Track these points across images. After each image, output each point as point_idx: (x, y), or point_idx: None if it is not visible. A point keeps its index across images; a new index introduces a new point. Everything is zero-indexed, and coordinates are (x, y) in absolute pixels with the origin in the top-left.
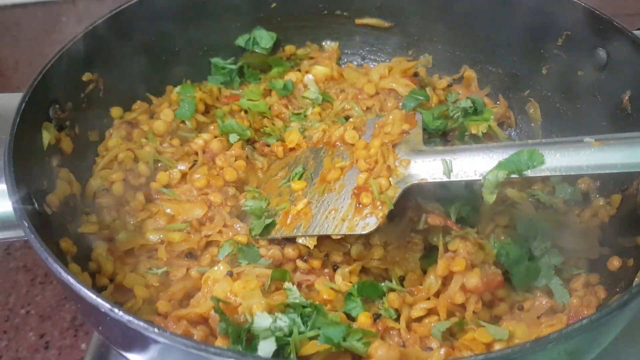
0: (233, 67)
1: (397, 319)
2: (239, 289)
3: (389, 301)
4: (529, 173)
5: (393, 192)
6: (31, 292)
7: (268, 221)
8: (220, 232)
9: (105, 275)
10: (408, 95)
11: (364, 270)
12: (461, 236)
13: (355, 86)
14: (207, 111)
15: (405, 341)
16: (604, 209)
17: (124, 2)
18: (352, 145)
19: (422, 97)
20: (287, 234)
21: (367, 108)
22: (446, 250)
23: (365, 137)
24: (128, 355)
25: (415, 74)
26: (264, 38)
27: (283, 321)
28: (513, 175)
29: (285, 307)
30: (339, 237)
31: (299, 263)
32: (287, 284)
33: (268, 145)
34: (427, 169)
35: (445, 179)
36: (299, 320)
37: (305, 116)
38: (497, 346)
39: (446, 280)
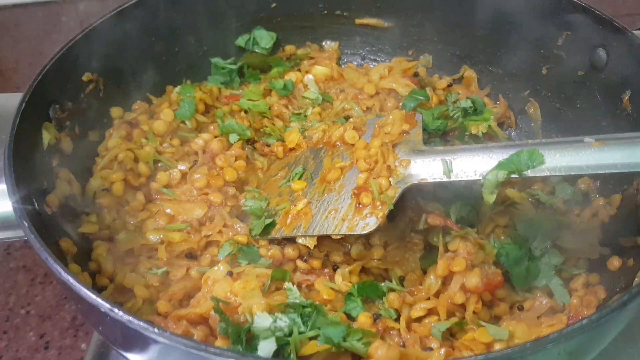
0: (233, 67)
1: (397, 319)
2: (239, 289)
3: (389, 301)
4: (529, 173)
5: (393, 192)
6: (31, 292)
7: (268, 221)
8: (220, 232)
9: (105, 275)
10: (408, 95)
11: (364, 270)
12: (461, 236)
13: (355, 86)
14: (207, 111)
15: (405, 341)
16: (604, 209)
17: (124, 2)
18: (352, 145)
19: (422, 97)
20: (287, 234)
21: (367, 108)
22: (446, 250)
23: (365, 137)
24: (128, 355)
25: (415, 74)
26: (264, 38)
27: (283, 321)
28: (513, 175)
29: (285, 307)
30: (339, 237)
31: (299, 263)
32: (287, 284)
33: (268, 145)
34: (427, 169)
35: (445, 179)
36: (299, 320)
37: (305, 116)
38: (497, 346)
39: (446, 280)
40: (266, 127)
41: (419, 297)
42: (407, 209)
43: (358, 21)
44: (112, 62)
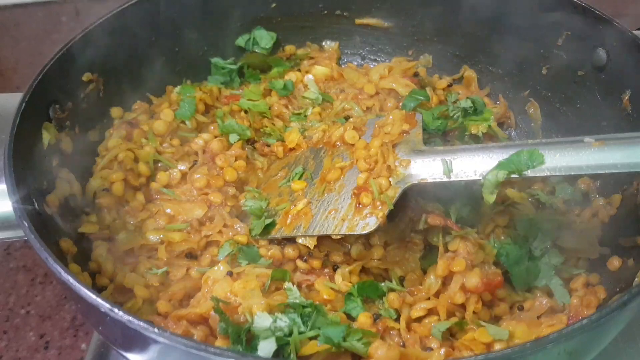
0: (233, 67)
1: (397, 319)
2: (239, 289)
3: (389, 301)
4: (529, 173)
5: (393, 192)
6: (31, 292)
7: (268, 221)
8: (220, 232)
9: (105, 275)
10: (408, 95)
11: (364, 270)
12: (461, 236)
13: (355, 86)
14: (207, 111)
15: (405, 341)
16: (604, 209)
17: (124, 2)
18: (352, 145)
19: (422, 97)
20: (287, 234)
21: (367, 108)
22: (446, 250)
23: (365, 137)
24: (128, 355)
25: (415, 74)
26: (264, 38)
27: (283, 321)
28: (513, 175)
29: (285, 307)
30: (339, 237)
31: (299, 263)
32: (287, 284)
33: (268, 145)
34: (427, 169)
35: (445, 179)
36: (299, 320)
37: (305, 116)
38: (497, 346)
39: (446, 280)
40: (266, 127)
41: (419, 297)
42: (407, 209)
43: (358, 21)
44: (112, 62)
